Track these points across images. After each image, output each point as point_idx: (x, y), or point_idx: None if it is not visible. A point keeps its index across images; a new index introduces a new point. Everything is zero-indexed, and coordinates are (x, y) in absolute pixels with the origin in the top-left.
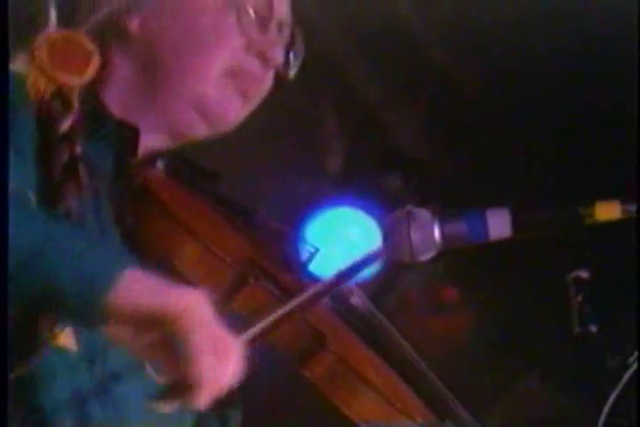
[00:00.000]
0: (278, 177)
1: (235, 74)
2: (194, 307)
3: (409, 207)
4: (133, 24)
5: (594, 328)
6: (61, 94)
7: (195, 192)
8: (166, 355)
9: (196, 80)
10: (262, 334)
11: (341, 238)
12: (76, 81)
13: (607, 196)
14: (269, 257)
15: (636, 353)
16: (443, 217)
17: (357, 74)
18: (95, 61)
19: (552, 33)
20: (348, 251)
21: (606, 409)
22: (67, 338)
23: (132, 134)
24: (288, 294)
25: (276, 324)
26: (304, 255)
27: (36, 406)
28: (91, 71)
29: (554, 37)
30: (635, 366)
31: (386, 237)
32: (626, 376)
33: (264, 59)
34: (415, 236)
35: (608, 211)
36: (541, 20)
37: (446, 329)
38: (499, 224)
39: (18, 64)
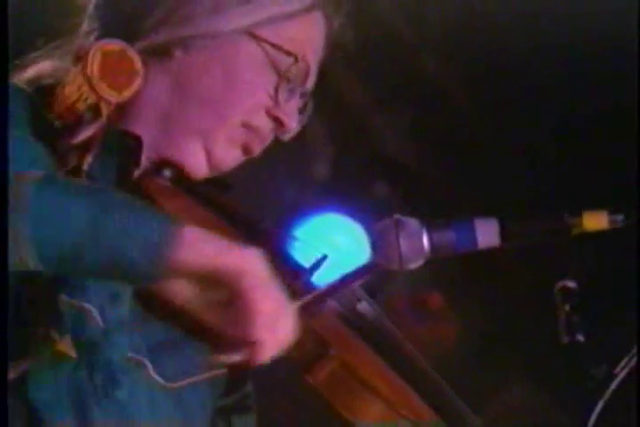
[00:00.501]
0: (265, 184)
1: (247, 128)
2: (255, 266)
3: (397, 216)
4: (178, 50)
5: (581, 337)
6: (97, 106)
7: (200, 201)
8: (229, 312)
9: (215, 122)
10: (315, 300)
11: (328, 245)
12: (114, 97)
13: (595, 206)
14: (275, 265)
15: (623, 362)
16: (431, 226)
17: (345, 80)
18: (138, 83)
19: (540, 39)
20: (334, 257)
21: (593, 419)
22: (65, 346)
23: (135, 144)
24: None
25: (327, 293)
26: (311, 262)
27: (33, 410)
28: (131, 91)
29: (542, 43)
30: (622, 374)
31: (374, 246)
32: (612, 385)
33: (279, 125)
34: (404, 244)
35: (596, 221)
36: (531, 25)
37: (432, 337)
38: (487, 233)
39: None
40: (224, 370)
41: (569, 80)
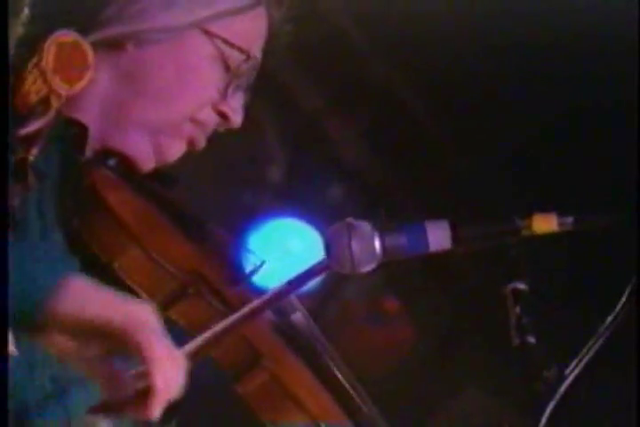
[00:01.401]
0: (220, 187)
1: (193, 122)
2: (143, 321)
3: (349, 219)
4: (130, 44)
5: (532, 339)
6: (47, 99)
7: (145, 195)
8: (109, 370)
9: (164, 115)
10: (204, 347)
11: (283, 249)
12: (65, 90)
13: (544, 208)
14: (214, 268)
15: (573, 363)
16: (383, 229)
17: (299, 85)
18: (89, 76)
19: (497, 40)
20: (289, 262)
21: (544, 420)
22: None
23: (81, 132)
24: (230, 306)
25: (216, 338)
26: (249, 267)
27: None
28: (82, 85)
29: (498, 45)
30: (572, 376)
31: (327, 249)
32: (563, 387)
33: (224, 119)
34: (356, 247)
35: (545, 223)
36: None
37: (387, 340)
38: (438, 236)
39: None
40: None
41: (521, 81)
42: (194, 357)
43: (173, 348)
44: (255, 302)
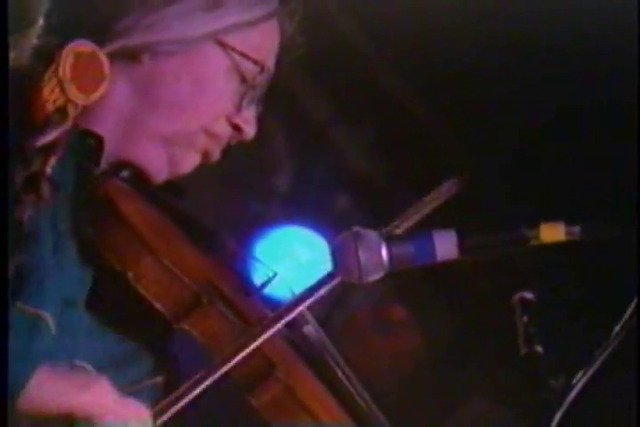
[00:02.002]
0: (228, 196)
1: (207, 134)
2: (102, 403)
3: (356, 228)
4: (146, 55)
5: (539, 348)
6: (64, 109)
7: (157, 206)
8: None
9: (179, 127)
10: (173, 403)
11: (290, 258)
12: (81, 100)
13: (552, 217)
14: (226, 279)
15: (581, 373)
16: (390, 238)
17: (307, 95)
18: (105, 87)
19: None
20: (297, 270)
21: None
22: None
23: (96, 143)
24: (242, 318)
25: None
26: (261, 279)
27: None
28: (97, 95)
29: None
30: (580, 385)
31: (334, 258)
32: (570, 396)
33: (238, 131)
34: (363, 257)
35: (552, 232)
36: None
37: (393, 349)
38: (445, 246)
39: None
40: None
41: (526, 91)
42: (163, 413)
43: (140, 409)
44: (268, 319)
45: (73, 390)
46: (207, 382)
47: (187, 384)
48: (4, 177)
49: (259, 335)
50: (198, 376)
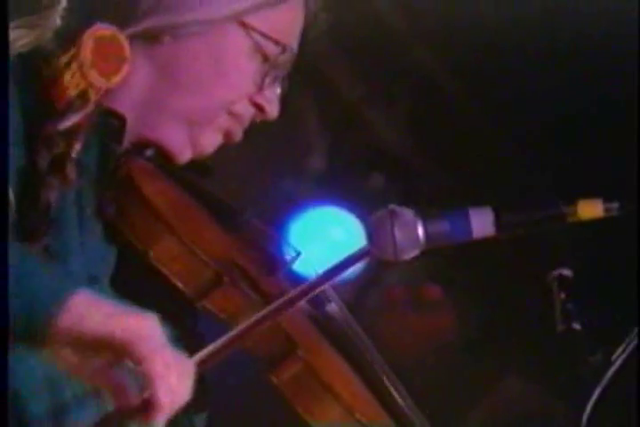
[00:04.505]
0: (261, 176)
1: (229, 114)
2: (148, 332)
3: (392, 206)
4: (167, 37)
5: (577, 325)
6: (86, 92)
7: (181, 185)
8: (114, 380)
9: (201, 108)
10: (218, 353)
11: (324, 238)
12: (102, 83)
13: (589, 194)
14: (250, 258)
15: (620, 349)
16: (426, 216)
17: (339, 72)
18: (125, 70)
19: (536, 32)
20: (331, 250)
21: (589, 407)
22: None
23: (119, 123)
24: (265, 296)
25: (248, 331)
26: (286, 258)
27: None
28: (119, 78)
29: (538, 37)
30: (619, 361)
31: (369, 236)
32: (609, 372)
33: (260, 111)
34: (399, 234)
35: (591, 209)
36: (529, 16)
37: (429, 327)
38: (482, 223)
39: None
40: None
41: (567, 70)
42: (205, 363)
43: (179, 357)
44: (292, 292)
45: (113, 313)
46: (221, 355)
47: (200, 354)
48: (4, 171)
49: (278, 309)
50: (211, 347)
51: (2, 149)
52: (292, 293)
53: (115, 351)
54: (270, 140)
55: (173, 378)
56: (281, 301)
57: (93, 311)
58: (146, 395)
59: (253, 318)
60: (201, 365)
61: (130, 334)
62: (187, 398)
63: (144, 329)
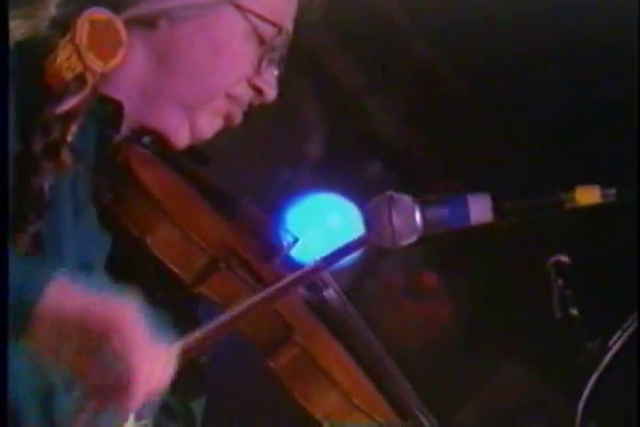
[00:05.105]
0: (259, 163)
1: (228, 97)
2: (123, 319)
3: (390, 193)
4: (163, 21)
5: (575, 312)
6: (82, 76)
7: (179, 172)
8: (92, 366)
9: (199, 92)
10: (204, 340)
11: (322, 224)
12: (99, 67)
13: (586, 181)
14: (246, 244)
15: (617, 335)
16: (424, 202)
17: (338, 61)
18: (122, 53)
19: (537, 23)
20: (328, 237)
21: (586, 392)
22: None
23: (116, 109)
24: (262, 282)
25: (239, 317)
26: (283, 244)
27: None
28: (116, 61)
29: (536, 32)
30: (616, 348)
31: (367, 222)
32: (606, 359)
33: (259, 93)
34: (397, 220)
35: (588, 195)
36: (525, 15)
37: (426, 314)
38: (480, 209)
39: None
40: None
41: (563, 60)
42: (193, 349)
43: (158, 343)
44: (287, 278)
45: (96, 300)
46: (211, 340)
47: (205, 330)
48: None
49: (271, 295)
50: (205, 329)
51: (2, 147)
52: (287, 279)
53: (93, 337)
54: (269, 128)
55: (151, 364)
56: (273, 287)
57: (72, 298)
58: (123, 381)
59: (244, 304)
60: (188, 351)
61: (107, 320)
62: (166, 383)
63: (123, 315)
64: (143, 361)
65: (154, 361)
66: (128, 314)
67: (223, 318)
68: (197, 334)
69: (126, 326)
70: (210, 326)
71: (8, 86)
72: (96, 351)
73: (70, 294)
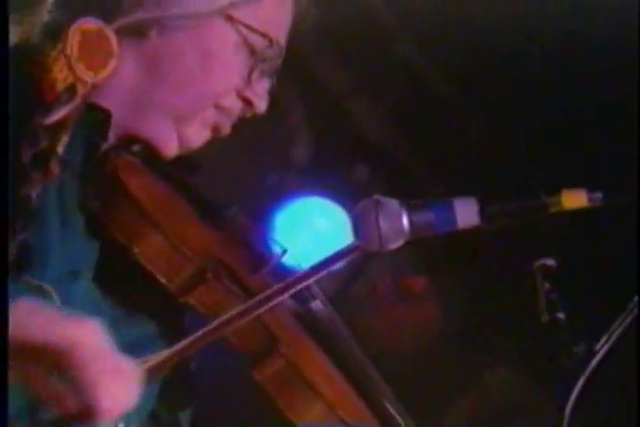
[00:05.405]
0: (245, 167)
1: (218, 109)
2: (88, 338)
3: (377, 196)
4: (153, 31)
5: (561, 315)
6: (73, 86)
7: (167, 181)
8: (53, 388)
9: (188, 103)
10: (168, 359)
11: (309, 228)
12: (90, 77)
13: (575, 184)
14: (234, 254)
15: (603, 339)
16: (411, 206)
17: (325, 65)
18: (113, 64)
19: (525, 25)
20: (316, 240)
21: (574, 396)
22: None
23: (103, 117)
24: (249, 292)
25: (227, 325)
26: (272, 255)
27: None
28: (106, 72)
29: (532, 32)
30: (602, 352)
31: (355, 226)
32: (593, 363)
33: (249, 105)
34: (384, 224)
35: (574, 199)
36: (519, 15)
37: (414, 318)
38: (466, 213)
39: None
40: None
41: (551, 62)
42: (157, 368)
43: (122, 363)
44: (273, 288)
45: (56, 321)
46: (197, 347)
47: (176, 347)
48: (5, 161)
49: (259, 304)
50: (188, 340)
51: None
52: (273, 289)
53: (53, 359)
54: (256, 132)
55: (114, 384)
56: (258, 297)
57: (33, 319)
58: (86, 401)
59: (229, 314)
60: (154, 368)
61: (67, 342)
62: (132, 402)
63: (83, 336)
64: (105, 382)
65: (118, 381)
66: (89, 334)
67: (207, 328)
68: (164, 352)
69: (86, 347)
70: (194, 336)
71: (8, 87)
72: (58, 373)
73: (31, 315)
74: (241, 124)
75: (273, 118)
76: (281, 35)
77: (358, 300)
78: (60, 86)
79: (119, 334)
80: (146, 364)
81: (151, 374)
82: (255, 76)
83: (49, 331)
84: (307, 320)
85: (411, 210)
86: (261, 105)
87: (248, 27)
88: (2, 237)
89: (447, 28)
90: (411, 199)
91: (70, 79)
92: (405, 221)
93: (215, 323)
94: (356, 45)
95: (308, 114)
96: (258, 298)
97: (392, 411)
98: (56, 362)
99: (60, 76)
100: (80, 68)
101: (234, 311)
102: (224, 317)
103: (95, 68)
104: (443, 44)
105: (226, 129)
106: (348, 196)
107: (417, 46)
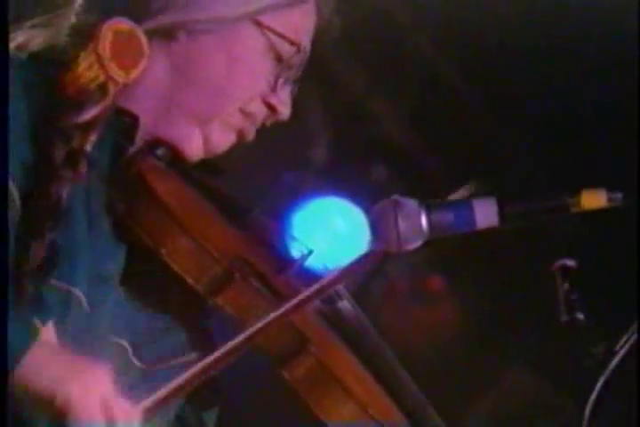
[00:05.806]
0: (266, 168)
1: (242, 113)
2: (85, 394)
3: (395, 196)
4: (182, 34)
5: (580, 316)
6: (105, 86)
7: (192, 184)
8: None
9: (214, 107)
10: (166, 399)
11: (328, 228)
12: (122, 77)
13: (593, 184)
14: (260, 255)
15: (623, 340)
16: (430, 206)
17: (344, 65)
18: (144, 64)
19: (540, 22)
20: (334, 241)
21: (593, 397)
22: (48, 333)
23: (131, 121)
24: (276, 293)
25: (258, 334)
26: (298, 256)
27: None
28: (137, 72)
29: (542, 27)
30: (622, 352)
31: (373, 227)
32: (612, 363)
33: (273, 111)
34: (402, 225)
35: (594, 199)
36: (531, 15)
37: (433, 318)
38: (485, 213)
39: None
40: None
41: (568, 62)
42: (155, 408)
43: (123, 409)
44: (303, 293)
45: (64, 375)
46: (233, 356)
47: (211, 357)
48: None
49: (291, 310)
50: (223, 350)
51: (2, 150)
52: (302, 294)
53: (57, 411)
54: (275, 133)
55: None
56: (287, 304)
57: (44, 370)
58: None
59: (260, 322)
60: (153, 408)
61: (70, 396)
62: None
63: (86, 389)
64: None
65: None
66: (91, 387)
67: (237, 339)
68: (163, 390)
69: (88, 400)
70: (223, 349)
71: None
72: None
73: (43, 365)
74: (261, 127)
75: (292, 119)
76: (306, 41)
77: (376, 300)
78: (90, 84)
79: (149, 349)
80: (142, 405)
81: (147, 413)
82: (280, 82)
83: (56, 384)
84: (334, 320)
85: (429, 210)
86: (285, 112)
87: (276, 33)
88: (2, 245)
89: (464, 28)
90: (429, 199)
91: (102, 78)
92: (424, 221)
93: (243, 336)
94: (374, 46)
95: (327, 114)
96: (287, 306)
97: (421, 410)
98: (60, 413)
99: (90, 74)
100: (112, 68)
101: (262, 321)
102: (252, 328)
103: (126, 68)
104: (461, 43)
105: (251, 134)
106: (366, 196)
107: (435, 46)
